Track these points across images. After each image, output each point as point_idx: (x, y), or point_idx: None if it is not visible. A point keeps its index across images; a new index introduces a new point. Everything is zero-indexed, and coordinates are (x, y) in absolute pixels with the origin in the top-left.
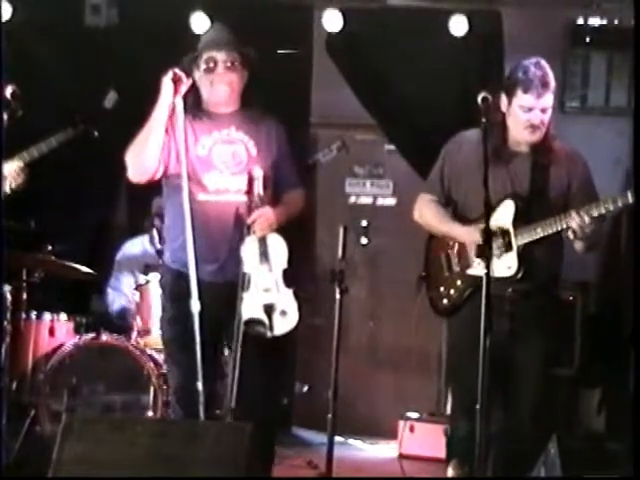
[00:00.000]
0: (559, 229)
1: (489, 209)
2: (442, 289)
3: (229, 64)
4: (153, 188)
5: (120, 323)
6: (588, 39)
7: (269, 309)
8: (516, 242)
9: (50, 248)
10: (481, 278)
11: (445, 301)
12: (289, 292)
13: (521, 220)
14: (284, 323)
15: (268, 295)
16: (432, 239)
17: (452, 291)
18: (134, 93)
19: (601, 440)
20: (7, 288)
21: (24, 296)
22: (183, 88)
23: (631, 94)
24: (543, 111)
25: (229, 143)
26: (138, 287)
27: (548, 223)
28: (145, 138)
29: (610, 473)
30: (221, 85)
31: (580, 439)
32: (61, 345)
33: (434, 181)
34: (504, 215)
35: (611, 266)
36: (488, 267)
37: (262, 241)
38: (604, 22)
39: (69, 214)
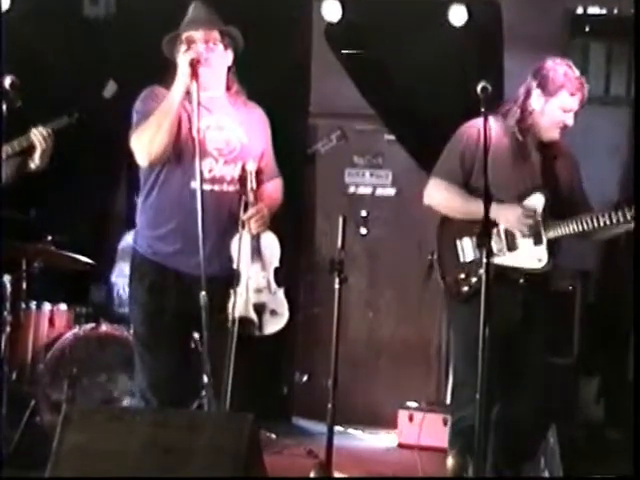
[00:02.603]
0: (589, 228)
1: (488, 198)
2: (462, 275)
3: (209, 43)
4: None
5: (120, 312)
6: (587, 29)
7: (260, 309)
8: (546, 235)
9: (50, 238)
10: (498, 266)
11: (466, 288)
12: (280, 291)
13: (547, 214)
14: (274, 323)
15: (259, 294)
16: (446, 224)
17: (474, 279)
18: (133, 83)
19: (600, 428)
20: (7, 278)
21: (24, 286)
22: (202, 71)
23: (631, 84)
24: (575, 113)
25: (220, 129)
26: None
27: (582, 221)
28: (158, 122)
29: (609, 461)
30: (202, 67)
31: (579, 427)
32: (61, 335)
33: (454, 166)
34: (534, 208)
35: (611, 256)
36: (488, 257)
37: (255, 239)
38: (603, 11)
39: (69, 205)
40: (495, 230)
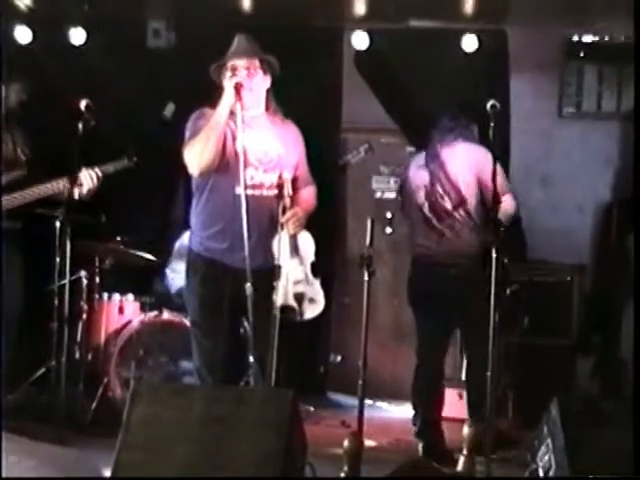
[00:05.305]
0: None
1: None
2: None
3: (250, 70)
4: None
5: (179, 301)
6: (582, 53)
7: (300, 297)
8: None
9: (119, 239)
10: None
11: None
12: (317, 282)
13: None
14: (312, 309)
15: (299, 286)
16: None
17: None
18: (189, 105)
19: (595, 401)
20: (83, 273)
21: (97, 280)
22: (244, 94)
23: (620, 101)
24: None
25: (260, 143)
26: None
27: None
28: (207, 137)
29: (604, 430)
30: (244, 90)
31: (577, 400)
32: (129, 322)
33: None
34: None
35: (604, 252)
36: (498, 252)
37: (293, 238)
38: (596, 39)
39: (135, 210)
40: None
